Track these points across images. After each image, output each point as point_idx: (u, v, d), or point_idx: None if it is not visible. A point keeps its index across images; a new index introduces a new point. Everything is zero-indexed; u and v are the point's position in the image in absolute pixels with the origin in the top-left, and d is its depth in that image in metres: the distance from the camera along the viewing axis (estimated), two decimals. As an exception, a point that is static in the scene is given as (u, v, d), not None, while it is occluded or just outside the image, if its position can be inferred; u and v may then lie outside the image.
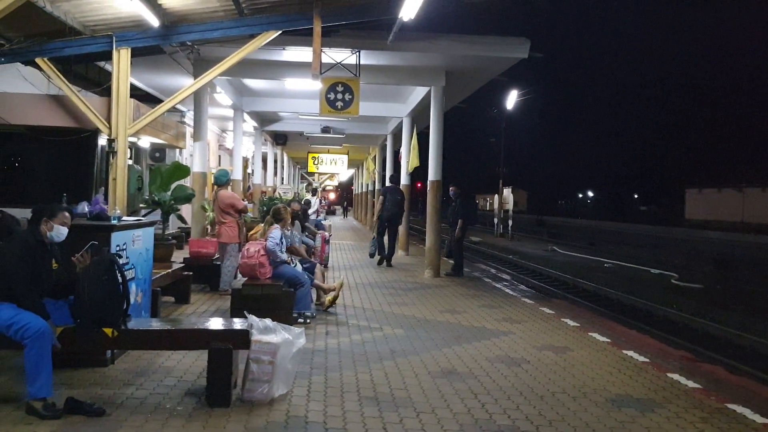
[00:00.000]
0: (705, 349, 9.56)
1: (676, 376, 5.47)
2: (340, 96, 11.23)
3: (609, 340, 6.82)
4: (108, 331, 4.18)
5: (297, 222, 9.78)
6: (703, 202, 51.31)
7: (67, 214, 4.34)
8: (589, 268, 19.78)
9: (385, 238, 13.49)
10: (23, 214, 5.41)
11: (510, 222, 32.82)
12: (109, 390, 4.45)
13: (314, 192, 20.28)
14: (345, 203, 52.74)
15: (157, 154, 13.97)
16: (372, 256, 13.55)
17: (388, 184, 15.48)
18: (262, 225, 7.76)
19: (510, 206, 33.30)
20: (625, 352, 6.31)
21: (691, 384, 5.27)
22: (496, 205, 35.03)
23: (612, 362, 5.88)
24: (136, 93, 11.63)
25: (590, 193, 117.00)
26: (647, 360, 6.02)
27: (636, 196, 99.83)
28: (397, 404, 4.45)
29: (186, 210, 11.03)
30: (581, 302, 13.33)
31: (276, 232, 7.15)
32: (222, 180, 9.19)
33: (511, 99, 31.18)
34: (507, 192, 32.76)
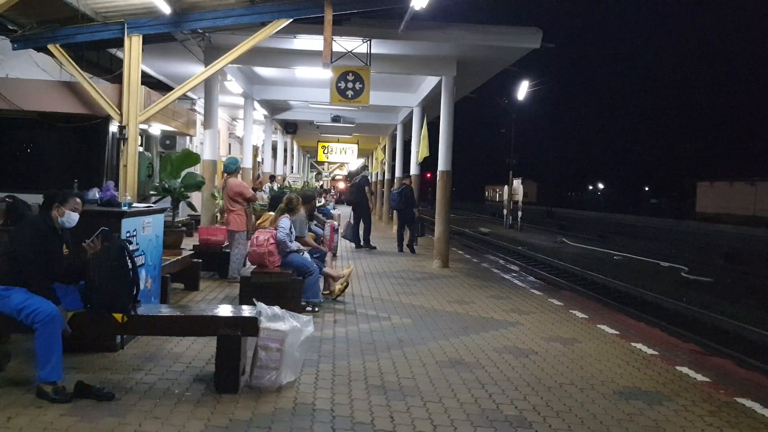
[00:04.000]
0: (714, 342, 9.50)
1: (684, 369, 5.45)
2: (350, 85, 11.20)
3: (617, 333, 6.80)
4: (118, 316, 4.21)
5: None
6: (715, 195, 50.86)
7: (78, 200, 4.36)
8: (599, 260, 19.70)
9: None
10: (35, 199, 5.46)
11: (519, 213, 32.68)
12: (118, 375, 4.49)
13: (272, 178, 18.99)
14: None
15: (168, 142, 14.02)
16: (347, 239, 14.27)
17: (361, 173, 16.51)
18: (271, 213, 7.77)
19: (519, 197, 33.13)
20: (633, 344, 6.29)
21: (699, 377, 5.24)
22: (505, 197, 34.90)
23: (620, 354, 5.86)
24: (147, 80, 11.68)
25: (600, 185, 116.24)
26: (656, 353, 5.99)
27: (647, 189, 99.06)
28: (405, 393, 4.46)
29: (196, 197, 11.06)
30: (590, 294, 13.27)
31: (285, 221, 7.14)
32: (231, 168, 9.20)
33: (522, 89, 30.97)
34: (517, 183, 32.60)
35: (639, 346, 6.23)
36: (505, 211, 35.21)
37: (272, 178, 18.98)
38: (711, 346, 9.08)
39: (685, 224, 42.76)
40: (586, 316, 7.66)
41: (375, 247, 14.41)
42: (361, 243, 14.48)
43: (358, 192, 15.14)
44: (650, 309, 12.16)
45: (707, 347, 8.80)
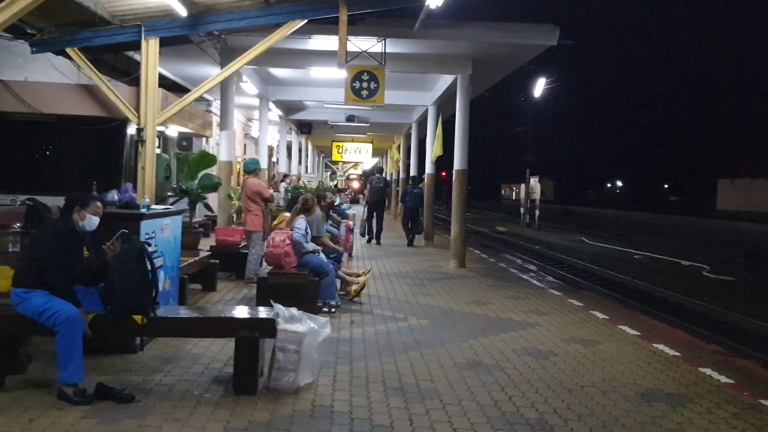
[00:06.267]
0: (738, 343, 9.35)
1: (708, 371, 5.36)
2: (365, 84, 11.19)
3: (639, 334, 6.70)
4: (137, 318, 4.22)
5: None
6: (736, 192, 50.08)
7: (99, 204, 4.38)
8: (618, 260, 19.50)
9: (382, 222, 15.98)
10: (54, 202, 5.51)
11: (537, 212, 32.47)
12: (138, 376, 4.51)
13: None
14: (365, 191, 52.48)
15: (185, 143, 14.11)
16: (362, 235, 15.76)
17: (376, 174, 17.18)
18: (287, 214, 7.77)
19: (537, 196, 32.94)
20: (655, 345, 6.20)
21: (723, 379, 5.15)
22: (522, 195, 34.71)
23: (642, 356, 5.78)
24: (164, 82, 11.74)
25: (619, 183, 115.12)
26: (678, 354, 5.90)
27: (666, 186, 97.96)
28: (423, 395, 4.43)
29: (212, 198, 11.11)
30: (610, 294, 13.13)
31: (301, 222, 7.13)
32: (250, 168, 9.24)
33: (539, 87, 30.73)
34: (534, 181, 32.40)
35: (661, 347, 6.14)
36: (522, 210, 35.02)
37: (285, 176, 19.06)
38: (734, 347, 8.93)
39: (705, 222, 42.18)
40: (607, 317, 7.57)
41: (380, 242, 15.45)
42: (374, 239, 15.46)
43: (381, 193, 16.07)
44: (672, 309, 12.01)
45: (730, 348, 8.66)
